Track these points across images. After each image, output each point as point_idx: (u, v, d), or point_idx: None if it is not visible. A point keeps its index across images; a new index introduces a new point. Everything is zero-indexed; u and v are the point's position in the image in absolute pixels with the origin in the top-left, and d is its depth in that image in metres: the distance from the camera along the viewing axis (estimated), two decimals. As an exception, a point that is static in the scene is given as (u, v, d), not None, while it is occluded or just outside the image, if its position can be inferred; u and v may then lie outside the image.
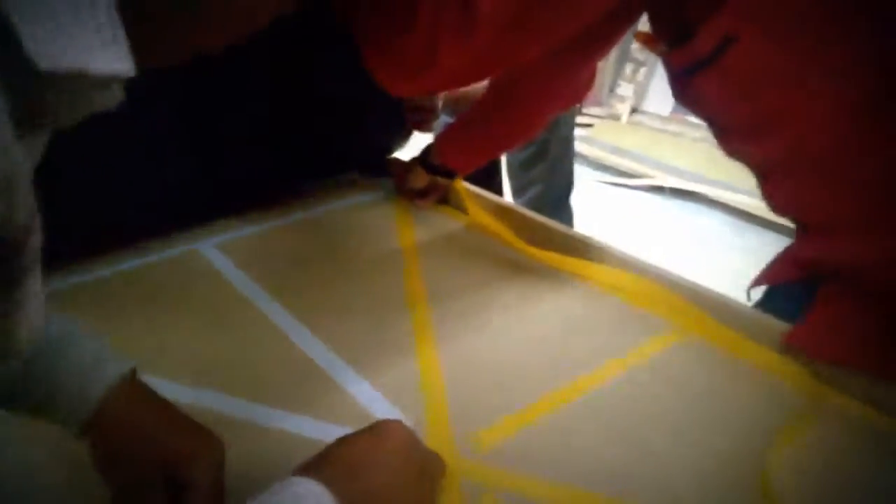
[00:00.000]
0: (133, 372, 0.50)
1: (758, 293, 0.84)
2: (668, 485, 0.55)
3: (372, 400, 0.63)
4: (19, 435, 0.57)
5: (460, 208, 1.03)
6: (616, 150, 3.24)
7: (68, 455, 0.54)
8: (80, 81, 0.29)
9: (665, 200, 2.93)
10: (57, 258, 0.81)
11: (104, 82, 0.30)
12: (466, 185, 1.03)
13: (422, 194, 1.04)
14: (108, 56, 0.28)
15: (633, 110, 3.78)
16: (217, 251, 0.89)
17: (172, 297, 0.79)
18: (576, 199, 1.75)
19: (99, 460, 0.48)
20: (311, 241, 0.93)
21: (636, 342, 0.73)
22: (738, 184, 2.72)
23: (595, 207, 2.77)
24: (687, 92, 0.69)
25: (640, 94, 3.83)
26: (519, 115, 0.95)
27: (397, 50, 0.67)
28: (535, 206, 1.63)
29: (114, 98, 0.32)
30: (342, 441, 0.47)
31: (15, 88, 0.27)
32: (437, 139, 1.01)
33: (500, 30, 0.61)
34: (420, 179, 1.03)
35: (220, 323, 0.74)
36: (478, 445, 0.59)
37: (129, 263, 0.85)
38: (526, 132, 1.00)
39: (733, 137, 0.72)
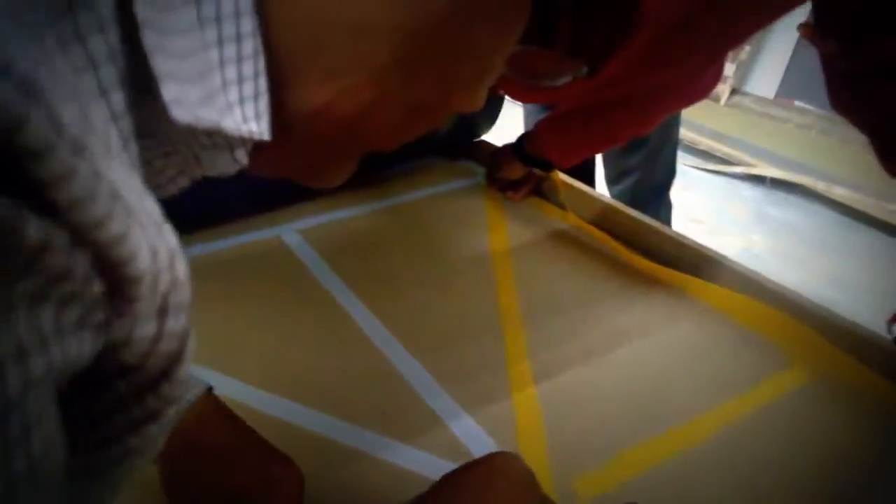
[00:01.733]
0: (209, 392, 0.46)
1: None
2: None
3: (463, 428, 0.58)
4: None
5: (556, 203, 0.95)
6: (713, 134, 3.05)
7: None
8: (199, 140, 0.24)
9: (765, 192, 2.74)
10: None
11: (227, 144, 0.25)
12: (564, 177, 0.95)
13: (514, 185, 0.97)
14: (242, 114, 0.24)
15: (734, 91, 3.55)
16: (299, 237, 0.84)
17: (250, 288, 0.75)
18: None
19: (168, 484, 0.45)
20: (399, 232, 0.87)
21: (756, 379, 0.64)
22: (847, 178, 2.52)
23: (687, 195, 2.62)
24: (859, 97, 0.59)
25: (743, 74, 3.59)
26: (636, 112, 0.86)
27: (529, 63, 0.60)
28: (632, 196, 1.52)
29: (234, 166, 0.27)
30: (451, 481, 0.42)
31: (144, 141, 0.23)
32: (538, 128, 0.93)
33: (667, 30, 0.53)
34: (514, 170, 0.95)
35: (301, 321, 0.69)
36: (578, 493, 0.52)
37: (207, 246, 0.81)
38: (639, 130, 0.91)
39: None
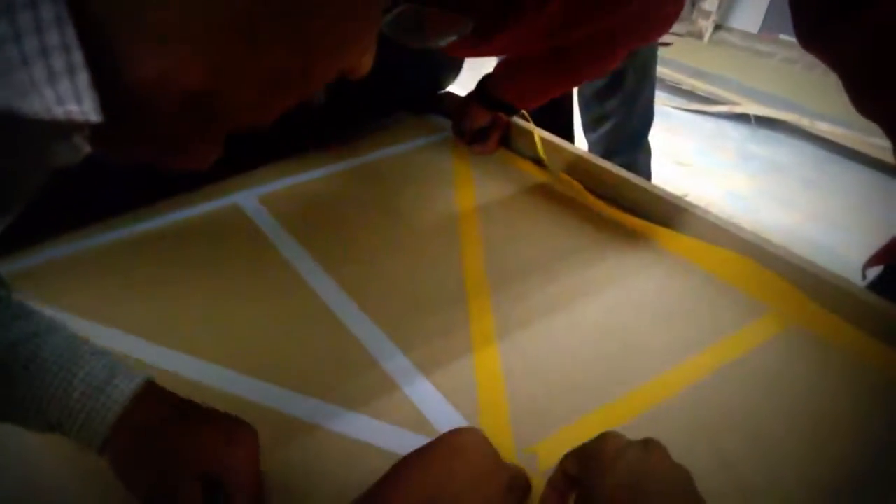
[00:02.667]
0: (149, 382, 0.45)
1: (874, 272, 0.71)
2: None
3: (425, 396, 0.56)
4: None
5: (529, 156, 0.91)
6: (696, 73, 2.99)
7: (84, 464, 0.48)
8: (28, 130, 0.21)
9: (750, 130, 2.70)
10: (89, 209, 0.75)
11: (57, 131, 0.22)
12: (537, 130, 0.91)
13: (481, 135, 0.93)
14: (55, 94, 0.21)
15: (718, 27, 3.48)
16: (256, 203, 0.81)
17: (208, 258, 0.72)
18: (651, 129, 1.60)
19: (122, 471, 0.44)
20: (361, 194, 0.84)
21: (725, 332, 0.63)
22: (831, 113, 2.47)
23: (671, 137, 2.58)
24: (825, 33, 0.56)
25: (726, 8, 3.51)
26: (594, 49, 0.82)
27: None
28: (609, 142, 1.49)
29: (76, 155, 0.24)
30: (412, 462, 0.40)
31: None
32: (497, 71, 0.89)
33: None
34: (479, 118, 0.91)
35: (259, 292, 0.67)
36: (541, 459, 0.51)
37: (162, 218, 0.78)
38: (600, 69, 0.87)
39: (869, 95, 0.59)
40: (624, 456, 0.39)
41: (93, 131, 0.23)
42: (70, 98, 0.21)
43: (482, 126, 0.92)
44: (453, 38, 0.59)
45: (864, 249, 0.72)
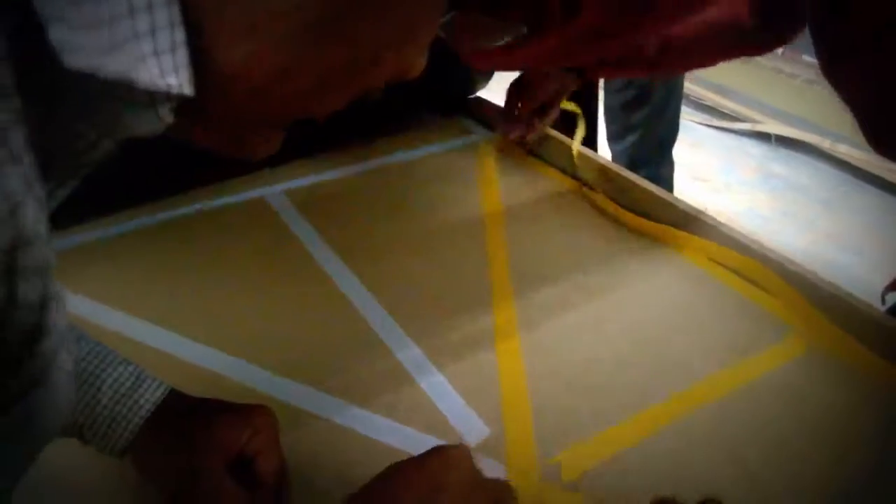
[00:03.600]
0: (172, 391, 0.46)
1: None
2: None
3: (445, 398, 0.56)
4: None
5: (555, 164, 0.91)
6: (720, 90, 2.98)
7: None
8: (118, 95, 0.23)
9: (771, 149, 2.69)
10: (116, 197, 0.76)
11: (149, 100, 0.24)
12: (560, 136, 0.91)
13: (538, 112, 0.89)
14: (159, 67, 0.23)
15: (743, 45, 3.46)
16: (284, 198, 0.81)
17: (232, 251, 0.72)
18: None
19: (148, 470, 0.45)
20: (387, 194, 0.84)
21: (751, 350, 0.62)
22: (851, 135, 2.46)
23: (692, 152, 2.57)
24: (838, 71, 0.56)
25: (752, 26, 3.50)
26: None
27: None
28: (634, 154, 1.49)
29: (158, 125, 0.25)
30: (393, 476, 0.39)
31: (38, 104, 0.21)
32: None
33: None
34: (547, 85, 0.86)
35: (280, 286, 0.67)
36: (564, 469, 0.50)
37: (188, 209, 0.78)
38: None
39: (884, 133, 0.59)
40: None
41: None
42: (170, 71, 0.23)
43: (543, 101, 0.88)
44: (504, 40, 0.58)
45: (880, 273, 0.71)
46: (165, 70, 0.23)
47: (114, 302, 0.63)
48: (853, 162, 2.48)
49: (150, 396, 0.44)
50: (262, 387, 0.56)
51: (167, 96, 0.24)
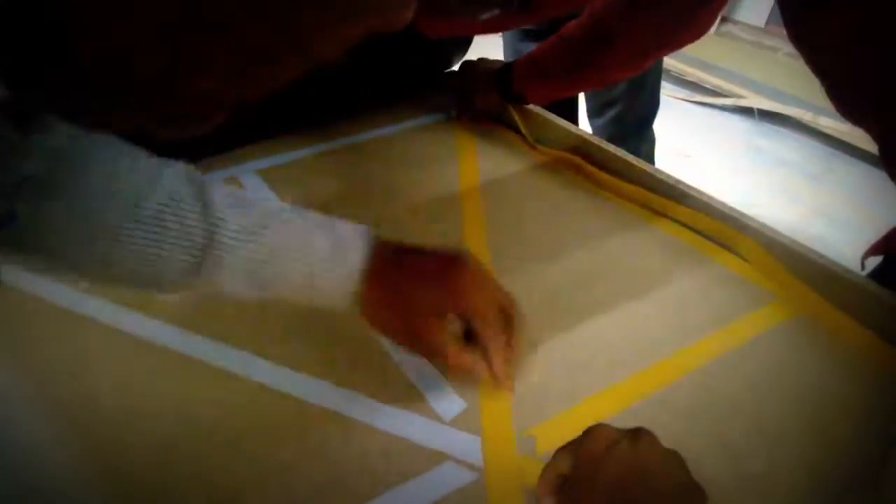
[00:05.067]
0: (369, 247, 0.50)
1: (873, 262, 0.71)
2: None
3: (423, 376, 0.55)
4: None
5: (528, 137, 0.90)
6: (701, 65, 2.97)
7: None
8: None
9: (754, 124, 2.69)
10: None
11: None
12: (539, 110, 0.90)
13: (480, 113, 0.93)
14: None
15: (723, 19, 3.45)
16: (257, 178, 0.80)
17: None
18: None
19: (375, 325, 0.50)
20: (363, 171, 0.83)
21: (729, 319, 0.62)
22: (833, 108, 2.46)
23: (675, 129, 2.56)
24: (802, 32, 0.55)
25: (733, 1, 3.49)
26: (624, 55, 0.82)
27: None
28: (613, 129, 1.48)
29: None
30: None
31: None
32: (519, 66, 0.88)
33: None
34: (490, 102, 0.90)
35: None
36: (540, 441, 0.50)
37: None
38: (628, 73, 0.87)
39: (852, 97, 0.58)
40: (614, 450, 0.38)
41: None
42: None
43: (488, 109, 0.92)
44: (492, 12, 0.57)
45: (864, 245, 0.71)
46: None
47: (94, 291, 0.62)
48: (837, 135, 2.49)
49: (356, 258, 0.48)
50: (234, 366, 0.55)
51: None
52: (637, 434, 0.40)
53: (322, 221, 0.50)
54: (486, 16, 0.58)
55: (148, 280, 0.46)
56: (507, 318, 0.51)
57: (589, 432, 0.41)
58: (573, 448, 0.41)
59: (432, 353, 0.51)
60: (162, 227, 0.44)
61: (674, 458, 0.39)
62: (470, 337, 0.50)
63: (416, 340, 0.49)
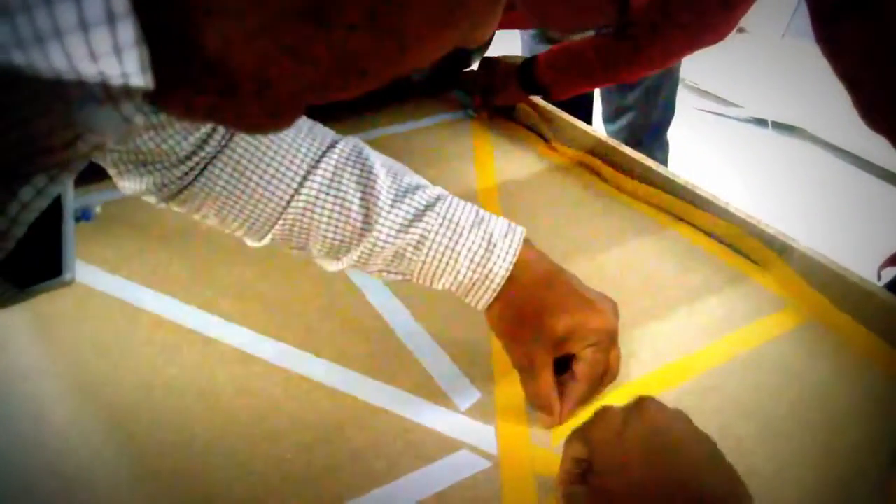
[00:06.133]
0: (516, 260, 0.50)
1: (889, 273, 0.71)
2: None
3: (438, 365, 0.56)
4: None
5: (545, 137, 0.91)
6: (717, 75, 2.98)
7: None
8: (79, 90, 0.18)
9: (768, 135, 2.69)
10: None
11: (103, 95, 0.19)
12: (556, 110, 0.91)
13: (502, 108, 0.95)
14: (87, 46, 0.17)
15: (741, 30, 3.46)
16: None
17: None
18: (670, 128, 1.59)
19: (500, 336, 0.51)
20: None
21: (745, 321, 0.62)
22: (849, 123, 2.45)
23: (688, 138, 2.57)
24: (833, 39, 0.55)
25: (751, 12, 3.49)
26: (651, 59, 0.83)
27: None
28: (628, 135, 1.49)
29: (126, 126, 0.21)
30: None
31: None
32: (543, 60, 0.89)
33: None
34: (512, 95, 0.92)
35: (268, 257, 0.67)
36: (555, 433, 0.51)
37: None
38: (651, 71, 0.89)
39: (878, 105, 0.58)
40: (627, 430, 0.40)
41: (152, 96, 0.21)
42: (109, 54, 0.18)
43: (510, 105, 0.94)
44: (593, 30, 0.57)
45: (876, 257, 0.72)
46: (98, 52, 0.18)
47: (116, 268, 0.63)
48: (850, 148, 2.48)
49: (500, 268, 0.49)
50: (259, 351, 0.56)
51: (125, 90, 0.19)
52: (640, 405, 0.41)
53: (475, 219, 0.51)
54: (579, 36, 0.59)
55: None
56: (610, 370, 0.51)
57: (598, 415, 0.42)
58: (581, 434, 0.42)
59: (529, 379, 0.51)
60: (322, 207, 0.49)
61: (679, 414, 0.41)
62: (564, 367, 0.51)
63: (525, 360, 0.50)
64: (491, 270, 0.49)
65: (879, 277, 0.70)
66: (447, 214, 0.50)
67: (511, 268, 0.49)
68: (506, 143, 0.90)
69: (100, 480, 0.46)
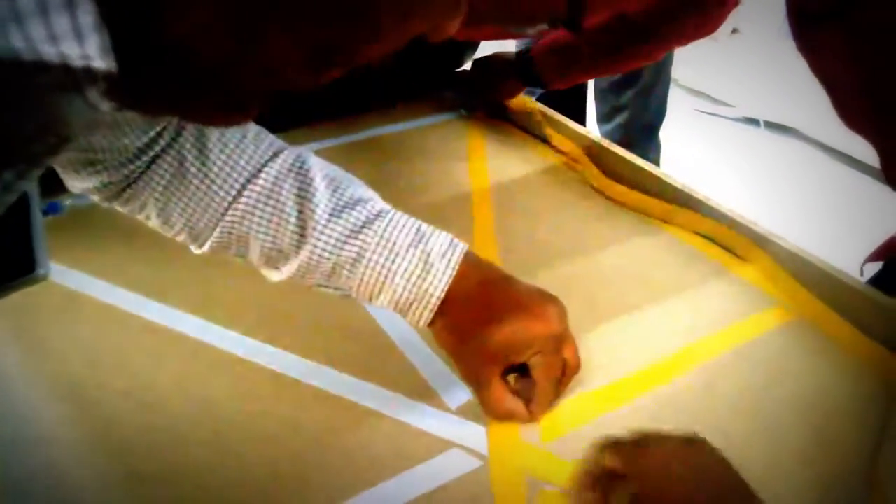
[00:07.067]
0: (454, 276, 0.49)
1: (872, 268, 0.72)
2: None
3: (428, 365, 0.56)
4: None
5: (540, 137, 0.91)
6: (709, 74, 2.99)
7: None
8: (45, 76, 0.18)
9: (759, 133, 2.70)
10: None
11: (69, 81, 0.19)
12: (550, 112, 0.91)
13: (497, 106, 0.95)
14: (46, 29, 0.18)
15: (734, 30, 3.47)
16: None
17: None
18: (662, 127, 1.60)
19: (445, 349, 0.51)
20: (373, 168, 0.84)
21: (736, 318, 0.63)
22: (840, 122, 2.46)
23: (681, 137, 2.58)
24: (810, 41, 0.56)
25: (743, 11, 3.50)
26: (642, 47, 0.84)
27: None
28: (621, 134, 1.49)
29: (91, 113, 0.22)
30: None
31: None
32: (540, 50, 0.89)
33: None
34: (510, 89, 0.92)
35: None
36: (545, 430, 0.51)
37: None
38: (641, 63, 0.89)
39: (855, 107, 0.59)
40: (679, 460, 0.38)
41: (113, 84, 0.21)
42: (68, 37, 0.18)
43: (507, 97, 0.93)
44: (543, 27, 0.57)
45: (863, 253, 0.72)
46: (59, 34, 0.18)
47: (97, 272, 0.63)
48: (839, 147, 2.50)
49: (436, 288, 0.49)
50: (249, 354, 0.56)
51: (89, 74, 0.19)
52: (694, 445, 0.39)
53: (414, 238, 0.50)
54: (533, 32, 0.58)
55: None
56: (568, 367, 0.51)
57: (648, 440, 0.40)
58: (626, 451, 0.39)
59: (479, 394, 0.51)
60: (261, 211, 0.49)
61: (727, 463, 0.39)
62: (522, 370, 0.50)
63: (471, 375, 0.51)
64: (427, 291, 0.48)
65: (862, 272, 0.71)
66: (384, 233, 0.49)
67: (447, 287, 0.49)
68: (499, 144, 0.91)
69: (88, 485, 0.46)
